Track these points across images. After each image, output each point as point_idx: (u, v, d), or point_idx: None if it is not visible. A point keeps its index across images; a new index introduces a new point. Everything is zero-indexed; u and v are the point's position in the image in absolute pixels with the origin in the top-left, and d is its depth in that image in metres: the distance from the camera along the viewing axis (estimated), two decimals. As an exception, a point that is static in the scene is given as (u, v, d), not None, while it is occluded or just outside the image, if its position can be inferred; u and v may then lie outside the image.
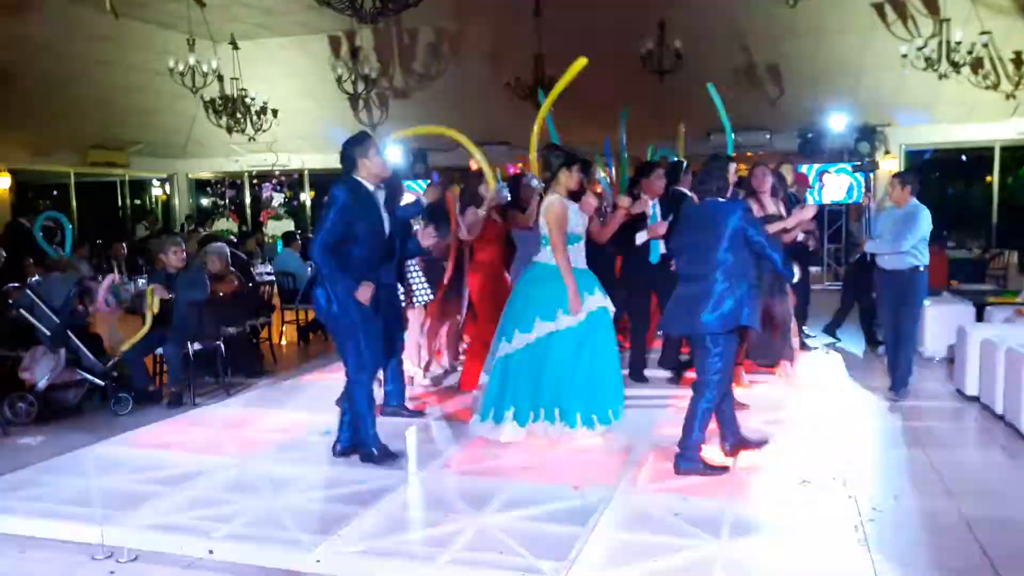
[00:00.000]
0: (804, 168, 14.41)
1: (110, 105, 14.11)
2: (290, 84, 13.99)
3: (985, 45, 10.64)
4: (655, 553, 3.45)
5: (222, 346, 6.88)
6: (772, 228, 5.54)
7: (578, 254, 5.05)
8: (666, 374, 6.67)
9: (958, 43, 10.52)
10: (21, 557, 3.80)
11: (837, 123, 13.35)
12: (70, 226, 7.20)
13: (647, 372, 6.69)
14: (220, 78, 12.35)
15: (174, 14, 11.77)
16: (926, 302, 6.69)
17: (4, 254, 9.52)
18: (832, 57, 12.02)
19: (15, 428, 5.91)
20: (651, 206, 6.36)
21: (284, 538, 3.70)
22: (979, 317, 7.33)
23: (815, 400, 6.17)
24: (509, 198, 5.98)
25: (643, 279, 6.43)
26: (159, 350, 6.77)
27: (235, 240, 11.72)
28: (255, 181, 18.07)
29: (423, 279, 6.47)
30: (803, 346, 7.77)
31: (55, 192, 17.90)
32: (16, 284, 6.77)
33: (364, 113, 13.96)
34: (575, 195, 5.20)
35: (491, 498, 4.12)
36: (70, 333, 6.32)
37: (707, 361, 4.46)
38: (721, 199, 4.58)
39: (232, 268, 7.78)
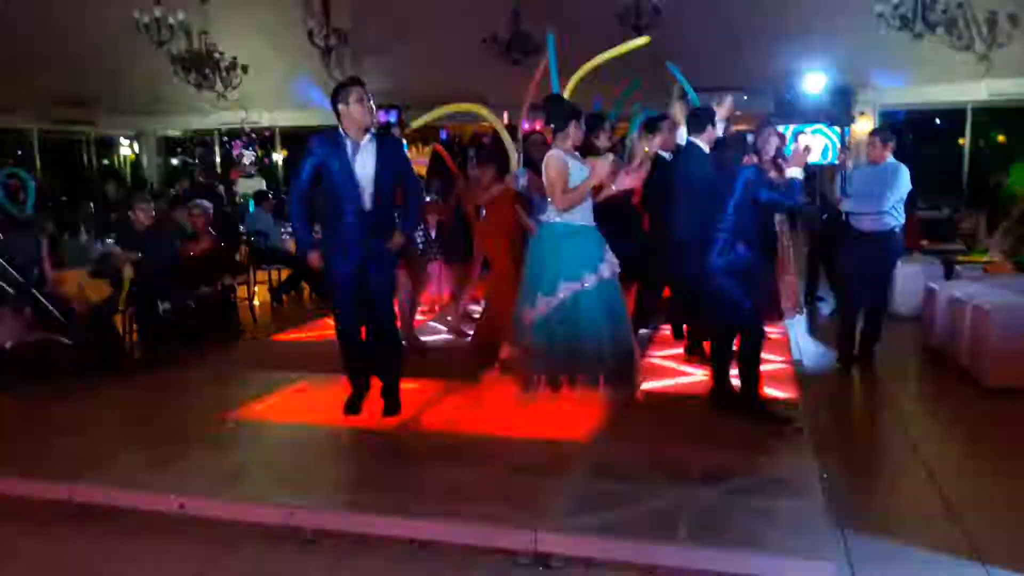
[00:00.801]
0: (780, 128, 14.46)
1: (75, 60, 13.73)
2: (260, 39, 13.68)
3: (960, 5, 10.64)
4: (626, 500, 3.48)
5: (193, 306, 6.81)
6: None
7: (583, 211, 4.88)
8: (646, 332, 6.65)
9: (934, 2, 10.50)
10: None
11: (813, 84, 13.33)
12: (33, 183, 7.01)
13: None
14: (188, 33, 12.07)
15: (139, -36, 11.46)
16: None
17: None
18: (809, 16, 11.96)
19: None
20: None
21: (256, 492, 3.70)
22: (948, 275, 7.43)
23: (783, 354, 6.23)
24: (525, 185, 5.67)
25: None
26: (127, 310, 6.67)
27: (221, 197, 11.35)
28: (225, 139, 17.77)
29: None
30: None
31: (19, 151, 17.49)
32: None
33: (337, 69, 13.72)
34: (581, 150, 5.08)
35: (464, 452, 4.13)
36: (36, 292, 6.21)
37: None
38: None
39: (211, 228, 7.67)
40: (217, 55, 12.66)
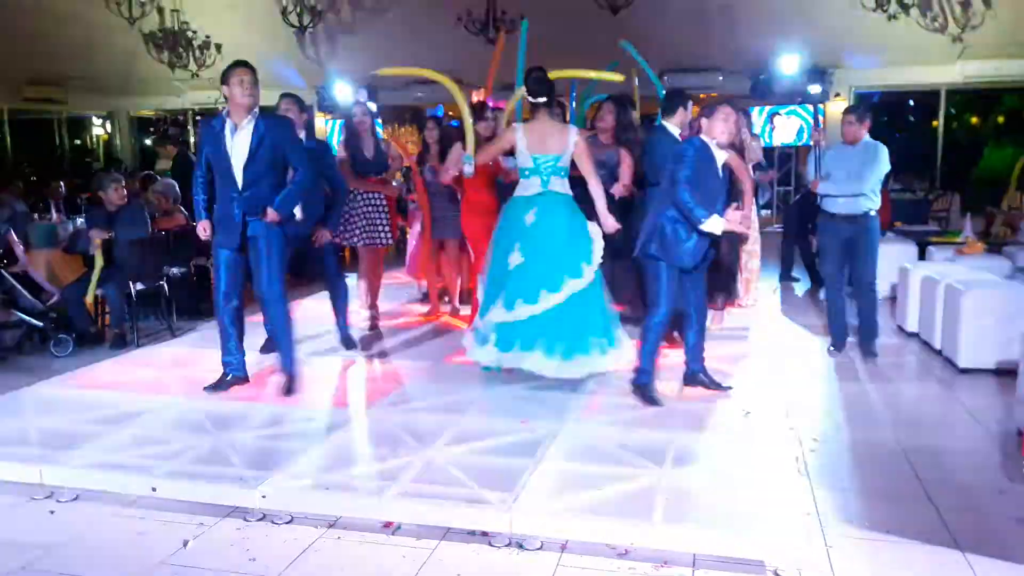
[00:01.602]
0: (756, 110, 14.50)
1: (46, 37, 13.47)
2: (233, 17, 13.50)
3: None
4: (600, 482, 3.49)
5: (166, 286, 6.74)
6: None
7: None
8: None
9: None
10: (-43, 498, 3.72)
11: (788, 65, 13.36)
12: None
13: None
14: (160, 10, 11.88)
15: (109, -60, 11.23)
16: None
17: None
18: (785, -3, 11.98)
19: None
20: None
21: (229, 475, 3.66)
22: (921, 256, 7.50)
23: (760, 336, 6.27)
24: (472, 174, 5.57)
25: None
26: (100, 290, 6.59)
27: None
28: (199, 119, 17.54)
29: (375, 221, 6.35)
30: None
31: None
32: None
33: (311, 48, 13.58)
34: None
35: (439, 433, 4.12)
36: (3, 272, 6.12)
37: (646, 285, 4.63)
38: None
39: (181, 206, 7.59)
40: (191, 33, 12.48)
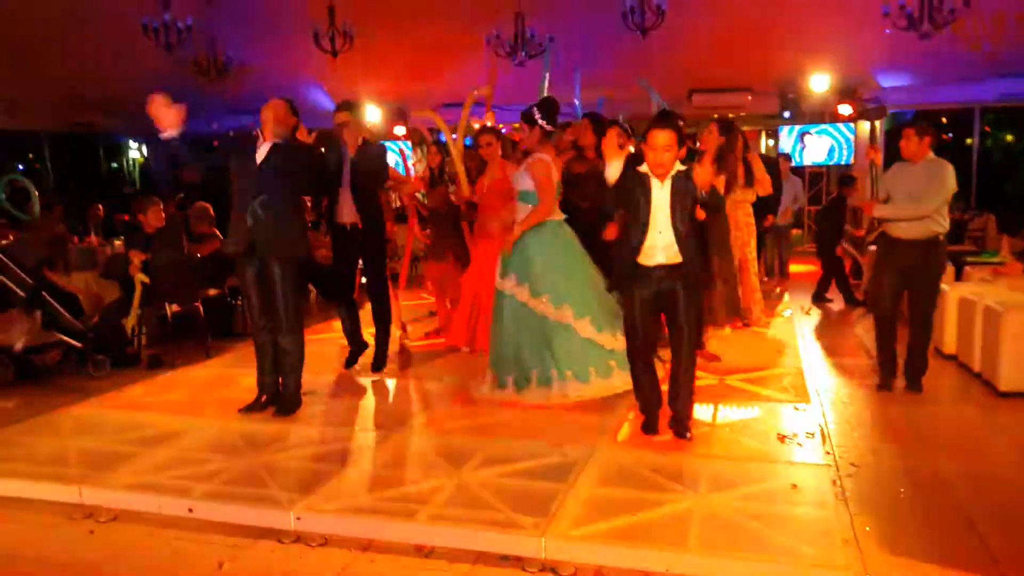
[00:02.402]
0: (786, 129, 14.44)
1: (84, 63, 13.78)
2: (266, 43, 13.70)
3: (967, 4, 10.56)
4: (634, 508, 3.47)
5: (201, 308, 6.83)
6: None
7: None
8: None
9: (941, 2, 10.44)
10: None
11: (818, 83, 13.29)
12: (35, 192, 7.05)
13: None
14: (196, 36, 12.09)
15: (147, -31, 11.47)
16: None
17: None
18: (814, 16, 11.91)
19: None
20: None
21: (263, 496, 3.69)
22: (958, 277, 7.39)
23: (794, 358, 6.20)
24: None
25: None
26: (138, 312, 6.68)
27: None
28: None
29: None
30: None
31: (29, 153, 17.54)
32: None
33: (342, 71, 13.73)
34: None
35: (470, 456, 4.12)
36: (45, 294, 6.24)
37: None
38: None
39: (216, 229, 7.70)
40: (224, 58, 12.69)
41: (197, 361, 6.56)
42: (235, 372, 6.07)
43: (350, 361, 5.97)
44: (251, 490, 3.77)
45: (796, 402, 5.01)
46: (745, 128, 7.20)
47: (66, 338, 6.31)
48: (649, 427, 4.43)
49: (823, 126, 14.38)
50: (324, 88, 15.26)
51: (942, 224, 5.09)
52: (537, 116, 5.20)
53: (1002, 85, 12.93)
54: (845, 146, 14.34)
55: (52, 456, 4.30)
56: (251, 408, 4.94)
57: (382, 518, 3.48)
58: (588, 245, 5.31)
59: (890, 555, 3.20)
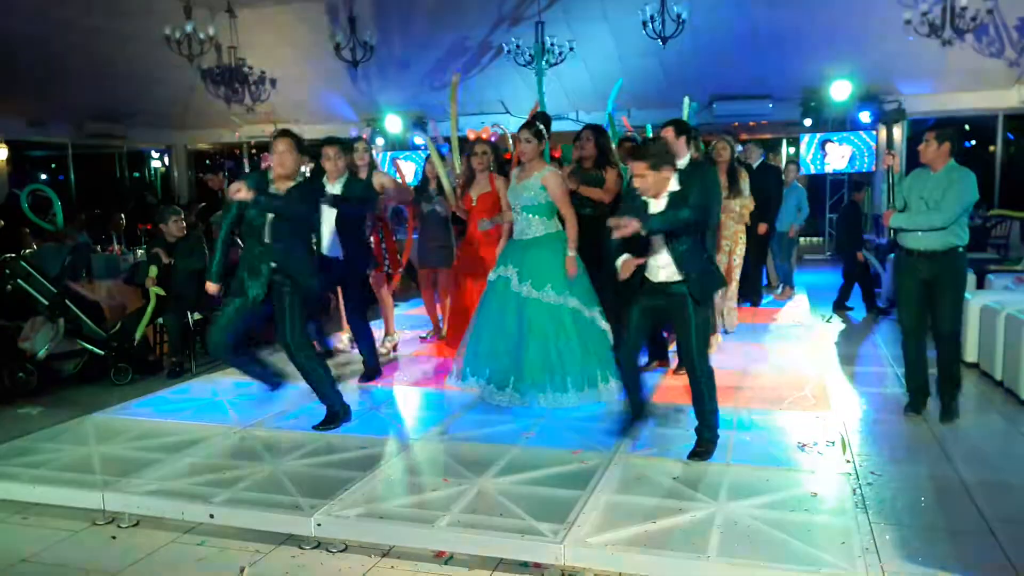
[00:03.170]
0: (807, 137, 14.38)
1: (107, 75, 13.97)
2: (288, 53, 13.86)
3: (990, 11, 10.50)
4: (653, 515, 3.46)
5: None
6: None
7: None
8: None
9: (963, 9, 10.39)
10: (24, 523, 3.83)
11: (839, 91, 13.23)
12: (58, 201, 7.15)
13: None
14: (217, 47, 12.24)
15: (170, -19, 11.64)
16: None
17: (2, 222, 9.53)
18: (835, 23, 11.88)
19: (16, 397, 5.93)
20: None
21: (284, 503, 3.71)
22: (979, 284, 7.33)
23: (814, 366, 6.16)
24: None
25: None
26: (159, 320, 6.76)
27: None
28: (254, 152, 17.95)
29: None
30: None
31: (53, 164, 17.78)
32: (12, 255, 6.77)
33: (363, 82, 13.85)
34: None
35: (490, 463, 4.13)
36: (68, 302, 6.32)
37: None
38: None
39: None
40: (246, 69, 12.83)
41: (218, 369, 6.62)
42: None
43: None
44: (272, 496, 3.79)
45: (817, 410, 4.98)
46: (766, 136, 7.21)
47: (89, 346, 6.39)
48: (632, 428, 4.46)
49: (844, 134, 14.31)
50: (345, 97, 15.37)
51: (960, 236, 4.75)
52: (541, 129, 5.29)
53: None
54: (867, 154, 14.25)
55: (75, 462, 4.35)
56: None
57: (402, 524, 3.49)
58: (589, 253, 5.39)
59: (910, 564, 3.18)
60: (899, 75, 13.01)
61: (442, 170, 6.39)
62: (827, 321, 8.30)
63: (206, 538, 3.61)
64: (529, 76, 12.44)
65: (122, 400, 5.63)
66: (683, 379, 5.39)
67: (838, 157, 14.45)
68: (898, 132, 13.75)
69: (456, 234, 6.94)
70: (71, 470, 4.23)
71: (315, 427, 4.82)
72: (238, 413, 5.19)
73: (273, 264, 4.62)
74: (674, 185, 4.13)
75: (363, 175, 6.29)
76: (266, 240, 4.63)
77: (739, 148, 7.11)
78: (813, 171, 14.28)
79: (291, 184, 4.65)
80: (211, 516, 3.69)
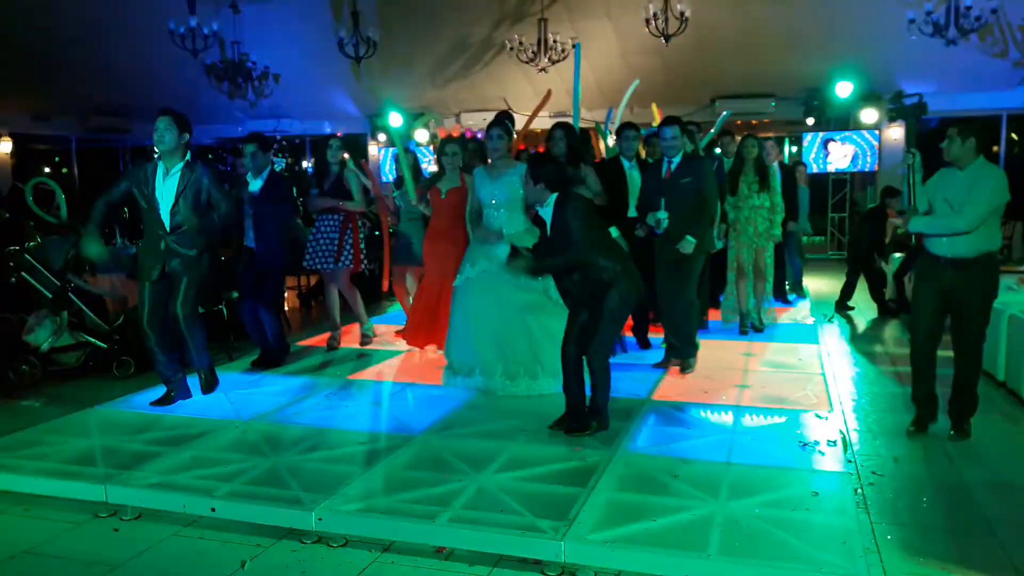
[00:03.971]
0: (809, 136, 14.37)
1: (111, 69, 13.98)
2: (291, 49, 13.86)
3: (994, 11, 10.48)
4: (654, 513, 3.47)
5: (224, 310, 6.90)
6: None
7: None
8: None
9: (967, 8, 10.37)
10: (26, 515, 3.84)
11: (842, 90, 13.22)
12: (62, 194, 7.16)
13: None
14: (221, 42, 12.23)
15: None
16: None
17: (7, 215, 9.53)
18: (839, 22, 11.86)
19: (19, 390, 5.94)
20: None
21: (286, 497, 3.72)
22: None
23: (816, 366, 6.16)
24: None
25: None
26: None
27: None
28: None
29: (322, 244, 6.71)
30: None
31: (56, 158, 17.81)
32: (16, 248, 6.78)
33: (366, 78, 13.84)
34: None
35: (490, 459, 4.13)
36: (72, 295, 6.33)
37: None
38: None
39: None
40: (249, 64, 12.82)
41: (220, 362, 6.61)
42: (257, 373, 6.13)
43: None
44: (273, 490, 3.80)
45: (818, 410, 4.99)
46: (769, 134, 7.21)
47: (91, 339, 6.40)
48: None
49: (847, 133, 14.30)
50: (348, 93, 15.37)
51: (992, 240, 4.37)
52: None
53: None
54: (869, 153, 14.24)
55: (78, 455, 4.35)
56: (162, 402, 5.24)
57: (402, 520, 3.49)
58: None
59: (911, 564, 3.18)
60: (902, 74, 12.99)
61: (406, 166, 6.43)
62: (829, 320, 8.29)
63: (207, 531, 3.61)
64: (531, 73, 12.45)
65: (124, 393, 5.63)
66: (685, 379, 5.42)
67: (840, 156, 14.45)
68: (900, 132, 13.72)
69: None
70: (73, 462, 4.24)
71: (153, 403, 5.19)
72: (240, 407, 5.19)
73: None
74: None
75: (331, 175, 6.71)
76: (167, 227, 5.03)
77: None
78: (816, 170, 14.27)
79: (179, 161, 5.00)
80: (212, 510, 3.70)
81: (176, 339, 5.28)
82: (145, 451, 4.37)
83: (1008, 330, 5.53)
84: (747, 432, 4.58)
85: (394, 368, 6.28)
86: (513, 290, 5.29)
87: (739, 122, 14.47)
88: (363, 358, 6.59)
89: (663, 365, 5.95)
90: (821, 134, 14.38)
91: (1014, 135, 14.73)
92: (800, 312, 8.46)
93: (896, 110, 5.85)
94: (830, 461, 4.13)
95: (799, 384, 5.58)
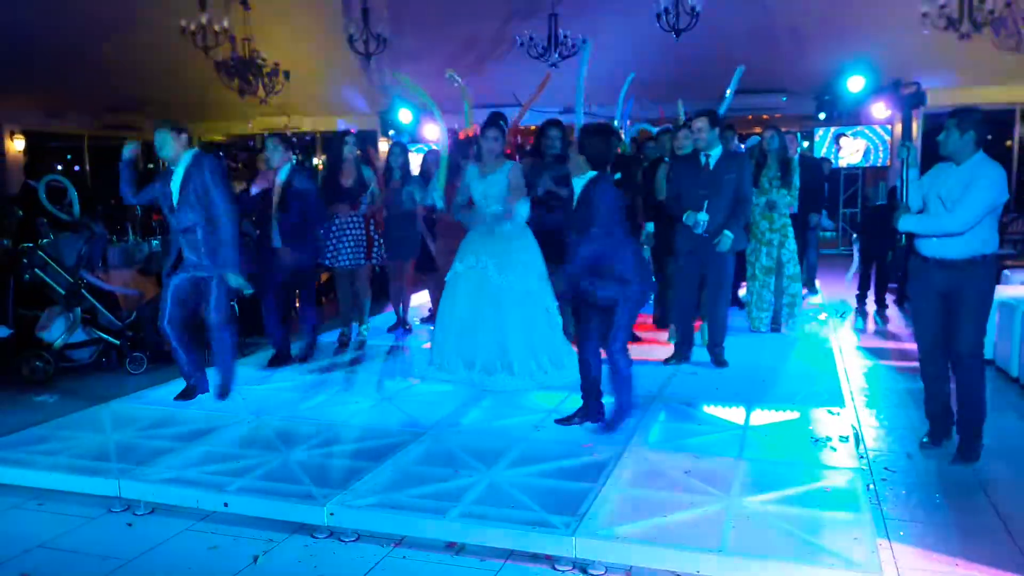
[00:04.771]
0: (821, 131, 14.30)
1: (122, 66, 14.03)
2: (301, 45, 13.88)
3: (1008, 5, 10.39)
4: (666, 509, 3.46)
5: (236, 306, 6.91)
6: None
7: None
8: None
9: (981, 2, 10.29)
10: (40, 509, 3.87)
11: (855, 85, 13.14)
12: (75, 191, 7.20)
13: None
14: (232, 39, 12.26)
15: (185, -27, 11.66)
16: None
17: (20, 213, 9.60)
18: (851, 16, 11.79)
19: (33, 386, 5.98)
20: None
21: (297, 492, 3.74)
22: (996, 281, 7.25)
23: (828, 361, 6.14)
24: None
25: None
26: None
27: None
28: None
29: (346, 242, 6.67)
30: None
31: (69, 155, 17.88)
32: (30, 244, 6.83)
33: (376, 74, 13.84)
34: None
35: (502, 454, 4.14)
36: (85, 292, 6.37)
37: None
38: None
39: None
40: (260, 61, 12.84)
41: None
42: (269, 369, 6.14)
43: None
44: (285, 486, 3.82)
45: (830, 405, 4.96)
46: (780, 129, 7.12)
47: (104, 335, 6.44)
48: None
49: (859, 128, 14.22)
50: (358, 90, 15.38)
51: (987, 241, 4.04)
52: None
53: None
54: (881, 148, 14.17)
55: (91, 450, 4.38)
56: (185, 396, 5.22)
57: (414, 515, 3.50)
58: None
59: (924, 560, 3.17)
60: (915, 69, 12.89)
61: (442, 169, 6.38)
62: (841, 316, 8.26)
63: (219, 526, 3.63)
64: (541, 69, 12.41)
65: (137, 389, 5.66)
66: (696, 374, 5.40)
67: (852, 151, 14.38)
68: (913, 126, 13.63)
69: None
70: (87, 458, 4.27)
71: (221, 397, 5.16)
72: (251, 402, 5.21)
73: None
74: None
75: (348, 171, 6.66)
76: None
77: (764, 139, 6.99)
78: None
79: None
80: (225, 505, 3.72)
81: (199, 340, 5.28)
82: (158, 446, 4.40)
83: (1022, 326, 5.50)
84: (759, 428, 4.57)
85: (404, 364, 6.28)
86: (498, 286, 5.37)
87: (750, 117, 14.40)
88: (373, 354, 6.59)
89: (673, 360, 5.94)
90: (833, 129, 14.31)
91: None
92: (812, 307, 8.41)
93: (887, 96, 5.21)
94: (842, 457, 4.12)
95: (811, 379, 5.56)
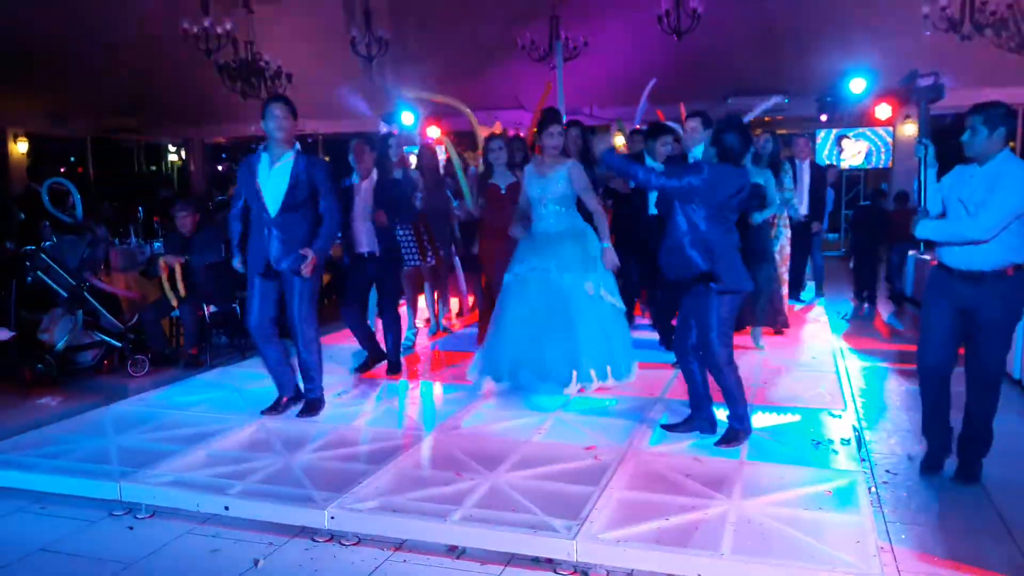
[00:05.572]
0: (823, 133, 14.30)
1: (125, 69, 14.08)
2: (304, 48, 13.91)
3: (1010, 6, 10.40)
4: (667, 512, 3.46)
5: (238, 308, 6.92)
6: None
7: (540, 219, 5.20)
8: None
9: (983, 3, 10.29)
10: (41, 513, 3.87)
11: (856, 87, 13.13)
12: (78, 194, 7.21)
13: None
14: (234, 42, 12.29)
15: (187, -24, 11.70)
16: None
17: (23, 216, 9.63)
18: (852, 17, 11.79)
19: (35, 388, 5.99)
20: None
21: (298, 495, 3.73)
22: None
23: (830, 364, 6.13)
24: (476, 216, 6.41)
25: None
26: (175, 312, 6.80)
27: None
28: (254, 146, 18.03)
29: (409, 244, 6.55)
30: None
31: (72, 157, 17.93)
32: (32, 247, 6.84)
33: (378, 77, 13.85)
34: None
35: (503, 458, 4.13)
36: (87, 295, 6.38)
37: None
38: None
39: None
40: (262, 64, 12.88)
41: (233, 361, 6.66)
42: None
43: (363, 367, 6.03)
44: (286, 489, 3.82)
45: (832, 408, 4.96)
46: (782, 131, 7.16)
47: (106, 338, 6.44)
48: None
49: (860, 130, 14.22)
50: (360, 92, 15.37)
51: (1018, 249, 3.61)
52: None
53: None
54: (883, 150, 14.16)
55: (93, 453, 4.38)
56: (274, 409, 5.00)
57: (415, 518, 3.50)
58: None
59: (925, 563, 3.17)
60: (918, 70, 12.88)
61: (460, 169, 6.39)
62: (843, 318, 8.26)
63: (220, 529, 3.63)
64: (543, 72, 12.42)
65: (139, 392, 5.67)
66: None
67: (854, 153, 14.38)
68: (913, 128, 13.62)
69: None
70: (88, 461, 4.26)
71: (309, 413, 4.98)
72: (253, 405, 5.21)
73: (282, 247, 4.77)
74: None
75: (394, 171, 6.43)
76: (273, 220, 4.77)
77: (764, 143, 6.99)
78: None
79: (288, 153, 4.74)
80: (226, 508, 3.72)
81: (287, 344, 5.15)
82: (159, 449, 4.39)
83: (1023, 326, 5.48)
84: (760, 430, 4.56)
85: (406, 367, 6.28)
86: (560, 291, 5.03)
87: (752, 119, 14.39)
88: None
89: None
90: (835, 131, 14.31)
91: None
92: (814, 310, 8.41)
93: (906, 90, 5.07)
94: (844, 460, 4.11)
95: (813, 382, 5.55)
